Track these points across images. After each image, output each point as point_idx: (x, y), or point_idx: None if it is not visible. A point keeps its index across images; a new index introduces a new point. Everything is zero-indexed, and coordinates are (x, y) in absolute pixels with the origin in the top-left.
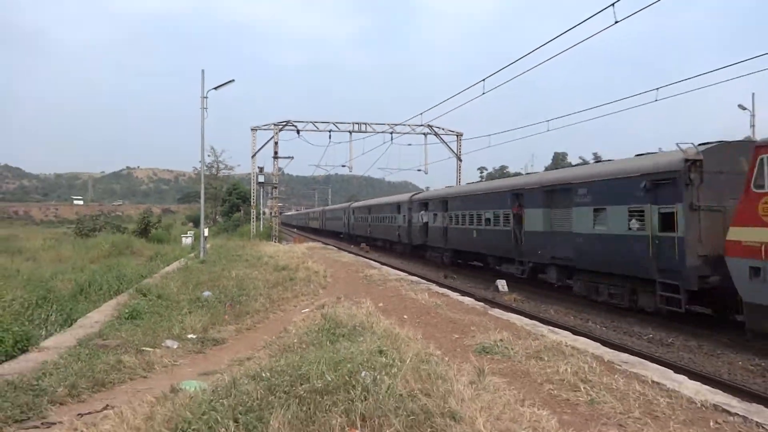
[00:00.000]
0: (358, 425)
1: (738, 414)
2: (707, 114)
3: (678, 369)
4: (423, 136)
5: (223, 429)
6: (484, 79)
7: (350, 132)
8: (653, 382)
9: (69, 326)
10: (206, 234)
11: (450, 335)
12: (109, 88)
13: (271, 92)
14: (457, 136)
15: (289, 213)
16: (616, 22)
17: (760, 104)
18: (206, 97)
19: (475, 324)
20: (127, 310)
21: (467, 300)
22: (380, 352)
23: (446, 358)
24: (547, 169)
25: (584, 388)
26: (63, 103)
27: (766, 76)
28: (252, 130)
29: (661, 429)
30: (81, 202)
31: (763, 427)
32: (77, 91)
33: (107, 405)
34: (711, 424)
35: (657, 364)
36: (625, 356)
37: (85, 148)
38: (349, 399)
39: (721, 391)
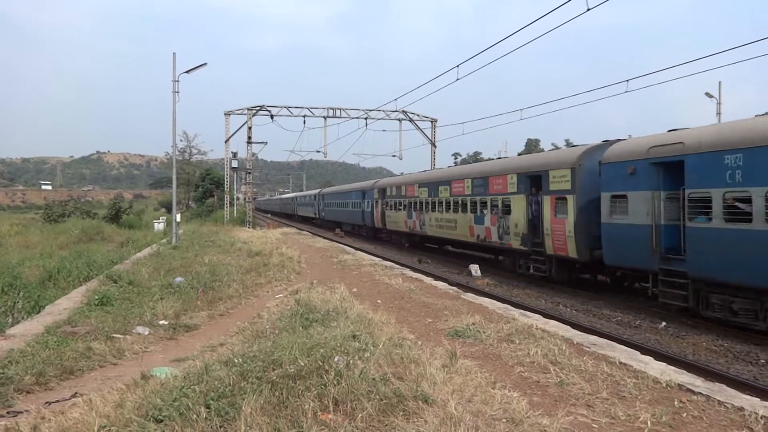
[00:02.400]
0: (331, 409)
1: (701, 393)
2: (680, 100)
3: (645, 350)
4: (398, 122)
5: (195, 415)
6: (458, 65)
7: (325, 117)
8: (621, 363)
9: (37, 313)
10: (178, 219)
11: (423, 319)
12: (77, 70)
13: (245, 77)
14: (432, 122)
15: (263, 198)
16: (588, 10)
17: (731, 90)
18: (178, 81)
19: (448, 308)
20: (97, 297)
21: (440, 284)
22: (354, 336)
23: (419, 342)
24: (519, 154)
25: (554, 370)
26: (30, 85)
27: (731, 69)
28: (225, 114)
29: (628, 408)
30: (49, 187)
31: (724, 405)
32: (45, 73)
33: (76, 393)
34: (675, 403)
35: (624, 345)
36: (593, 338)
37: (53, 132)
38: (322, 383)
39: (685, 371)
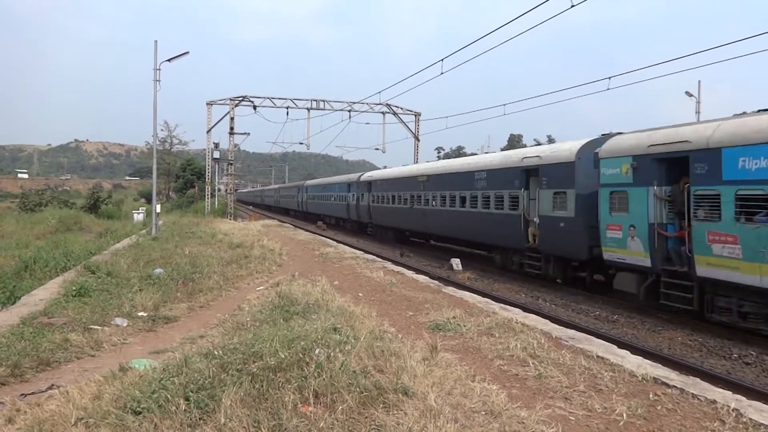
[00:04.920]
0: (312, 401)
1: (676, 386)
2: (660, 98)
3: (622, 344)
4: (381, 115)
5: (174, 407)
6: (442, 60)
7: (308, 109)
8: (598, 357)
9: (12, 304)
10: (158, 210)
11: (404, 313)
12: (56, 56)
13: (228, 67)
14: (416, 115)
15: (245, 190)
16: (573, 6)
17: (711, 89)
18: (159, 69)
19: (429, 302)
20: (74, 288)
21: (422, 278)
22: (334, 329)
23: (400, 335)
24: (502, 149)
25: (533, 363)
26: (7, 71)
27: (709, 68)
28: (207, 104)
29: (604, 401)
30: (26, 176)
31: (698, 398)
32: (23, 59)
33: (52, 384)
34: (651, 396)
35: (602, 339)
36: (572, 332)
37: (30, 119)
38: (302, 376)
39: (661, 365)
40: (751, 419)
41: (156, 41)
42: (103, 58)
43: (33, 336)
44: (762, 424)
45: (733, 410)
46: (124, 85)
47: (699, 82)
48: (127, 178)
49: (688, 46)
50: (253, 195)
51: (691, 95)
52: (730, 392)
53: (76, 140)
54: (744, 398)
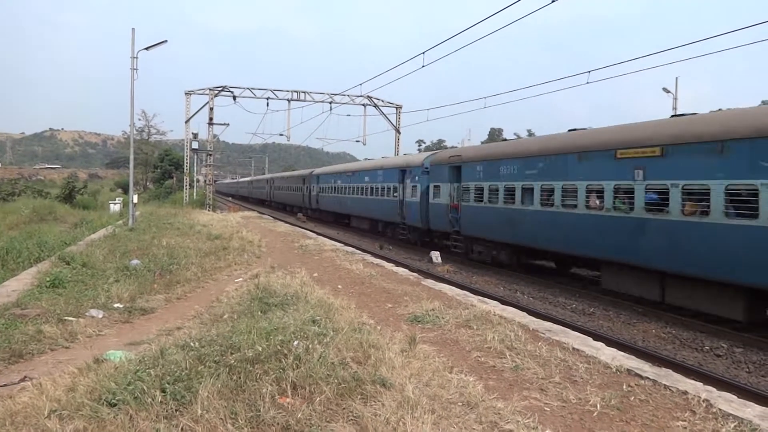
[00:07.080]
0: (289, 393)
1: (649, 378)
2: (639, 93)
3: (597, 336)
4: (362, 107)
5: (150, 399)
6: (424, 52)
7: (289, 100)
8: (574, 349)
9: None
10: (135, 201)
11: (383, 305)
12: (29, 41)
13: (208, 56)
14: (397, 108)
15: (225, 181)
16: (553, 1)
17: (686, 85)
18: (136, 58)
19: (408, 294)
20: (48, 279)
21: (401, 270)
22: (313, 321)
23: (379, 327)
24: (482, 142)
25: (510, 355)
26: None
27: (689, 65)
28: (186, 94)
29: (579, 392)
30: None
31: (670, 389)
32: None
33: (25, 376)
34: (624, 387)
35: (578, 332)
36: (549, 325)
37: (2, 107)
38: (280, 368)
39: (635, 357)
40: (720, 409)
41: (133, 29)
42: (79, 45)
43: (5, 327)
44: (731, 414)
45: (703, 401)
46: (101, 73)
47: (676, 78)
48: (55, 165)
49: (668, 41)
50: (230, 186)
51: (668, 91)
52: (701, 383)
53: (51, 129)
54: (714, 389)
